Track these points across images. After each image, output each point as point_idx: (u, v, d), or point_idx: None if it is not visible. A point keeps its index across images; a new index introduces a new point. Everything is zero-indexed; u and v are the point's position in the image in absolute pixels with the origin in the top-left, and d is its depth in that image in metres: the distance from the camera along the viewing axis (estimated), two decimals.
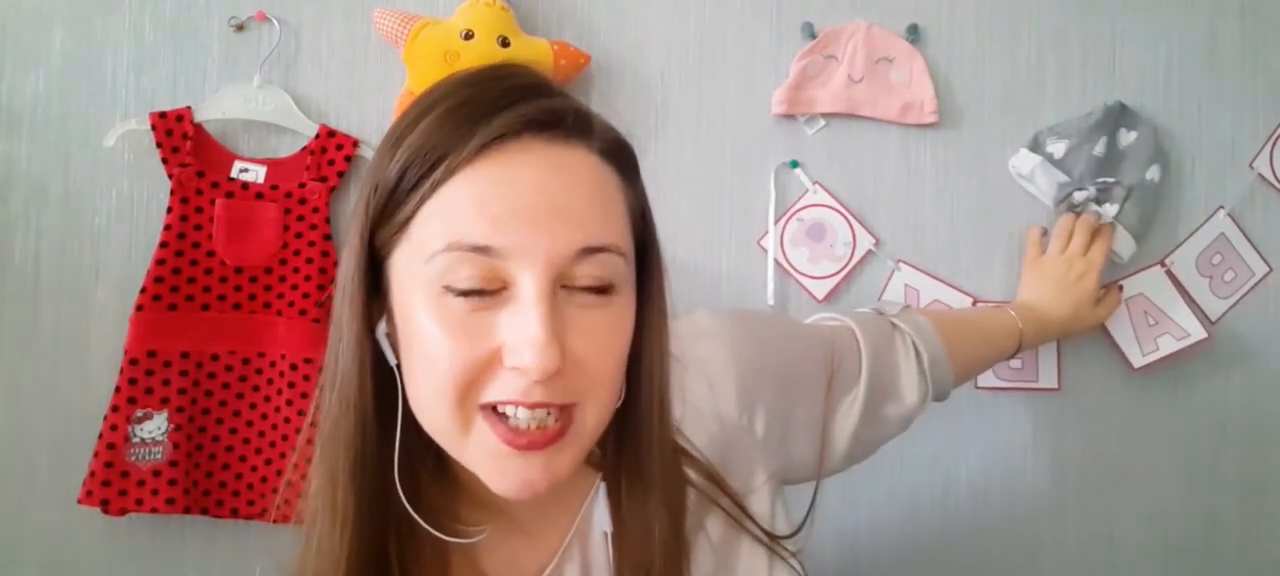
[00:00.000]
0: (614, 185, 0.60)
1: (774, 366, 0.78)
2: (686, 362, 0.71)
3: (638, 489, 0.65)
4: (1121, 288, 1.21)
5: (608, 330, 0.58)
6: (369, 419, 0.60)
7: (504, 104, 0.57)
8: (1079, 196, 1.17)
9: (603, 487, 0.66)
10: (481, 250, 0.54)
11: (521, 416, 0.56)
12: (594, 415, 0.59)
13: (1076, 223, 1.16)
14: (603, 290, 0.57)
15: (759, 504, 0.73)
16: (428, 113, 0.58)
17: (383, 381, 0.61)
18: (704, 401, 0.73)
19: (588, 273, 0.56)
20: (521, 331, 0.54)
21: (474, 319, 0.55)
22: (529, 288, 0.55)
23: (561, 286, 0.56)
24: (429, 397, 0.58)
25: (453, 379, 0.55)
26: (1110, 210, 1.18)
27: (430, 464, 0.64)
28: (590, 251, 0.56)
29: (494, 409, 0.56)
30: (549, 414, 0.56)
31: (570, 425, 0.58)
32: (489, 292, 0.55)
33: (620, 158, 0.62)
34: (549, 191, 0.56)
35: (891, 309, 0.94)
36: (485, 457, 0.58)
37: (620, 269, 0.58)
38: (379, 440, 0.60)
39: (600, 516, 0.66)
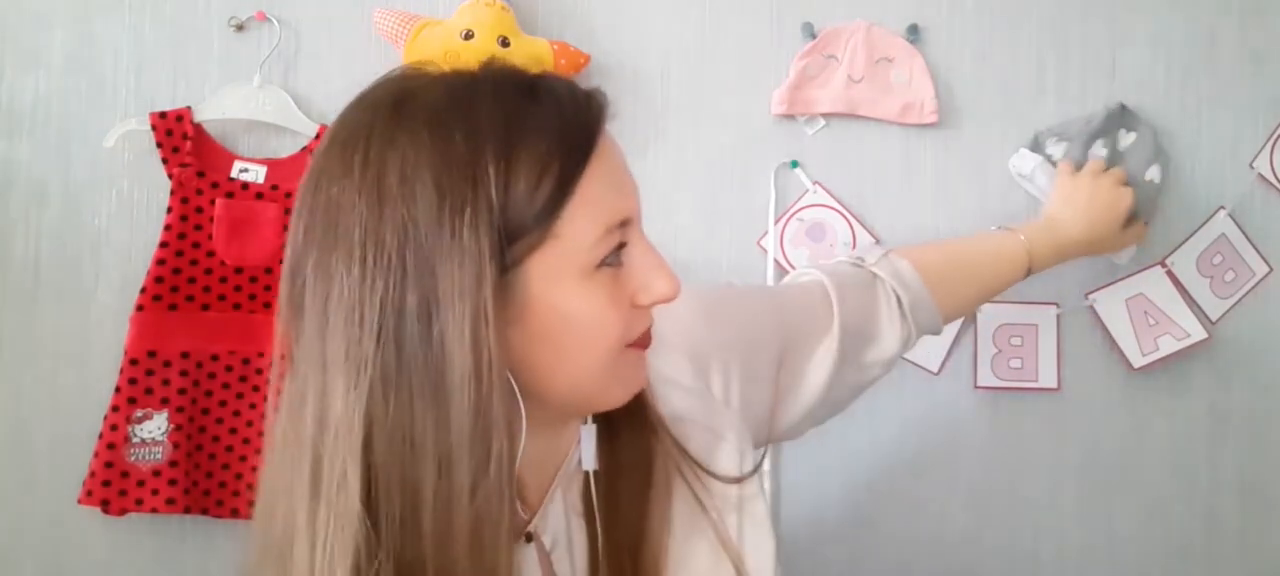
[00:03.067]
0: None
1: (728, 333, 0.84)
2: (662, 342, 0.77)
3: (619, 424, 0.71)
4: (1147, 224, 1.20)
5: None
6: (513, 414, 0.62)
7: (582, 99, 0.66)
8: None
9: (590, 429, 0.70)
10: (626, 223, 0.64)
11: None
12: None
13: (1109, 167, 1.16)
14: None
15: (726, 455, 0.77)
16: (524, 126, 0.62)
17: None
18: (664, 366, 0.78)
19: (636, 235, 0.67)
20: (647, 270, 0.65)
21: (617, 281, 0.64)
22: (639, 238, 0.66)
23: None
24: (585, 363, 0.64)
25: (619, 335, 0.64)
26: None
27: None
28: (626, 222, 0.66)
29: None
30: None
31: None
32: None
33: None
34: (623, 162, 0.67)
35: (871, 256, 0.97)
36: (626, 378, 0.67)
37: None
38: (513, 435, 0.63)
39: (586, 455, 0.70)
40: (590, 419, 0.71)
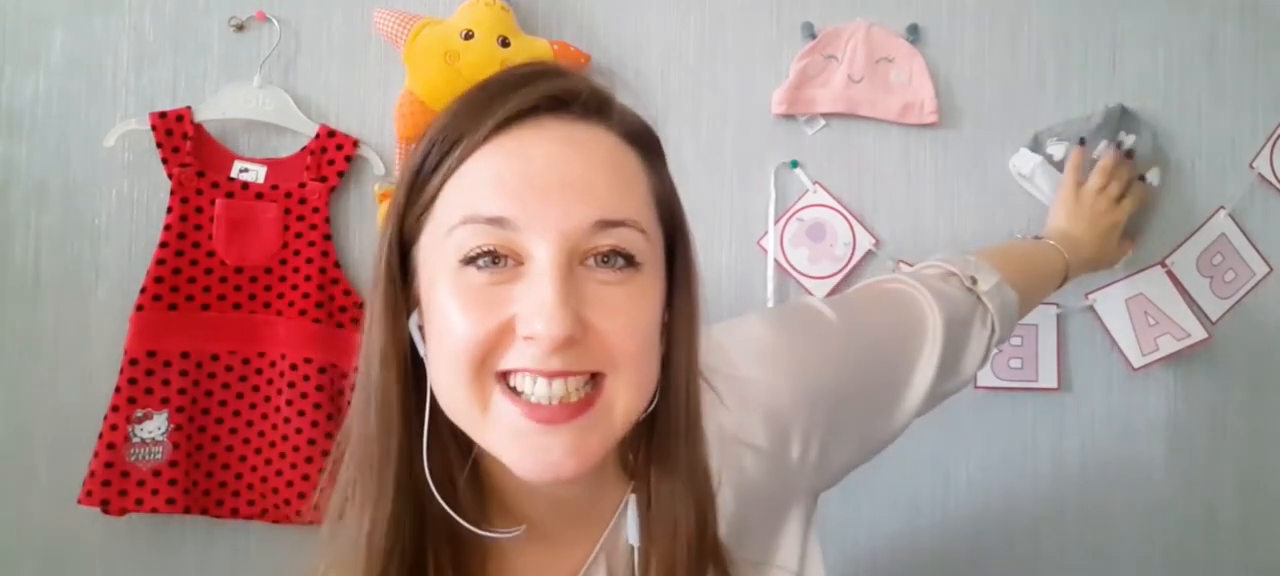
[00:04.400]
0: (635, 166, 0.61)
1: (813, 391, 0.74)
2: (724, 378, 0.69)
3: (665, 494, 0.63)
4: (1134, 240, 1.22)
5: (629, 304, 0.57)
6: (395, 408, 0.59)
7: (519, 84, 0.58)
8: None
9: (633, 500, 0.64)
10: (496, 222, 0.55)
11: (540, 391, 0.55)
12: (624, 393, 0.58)
13: (1115, 168, 1.16)
14: (622, 265, 0.57)
15: (789, 540, 0.72)
16: (454, 102, 0.60)
17: (416, 376, 0.60)
18: (737, 427, 0.70)
19: (605, 245, 0.56)
20: (533, 299, 0.54)
21: (490, 291, 0.55)
22: (542, 258, 0.55)
23: (580, 263, 0.56)
24: (447, 372, 0.57)
25: (468, 347, 0.55)
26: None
27: (464, 468, 0.63)
28: (607, 225, 0.56)
29: (512, 387, 0.56)
30: (571, 386, 0.56)
31: (598, 398, 0.57)
32: (505, 265, 0.56)
33: (643, 142, 0.62)
34: (562, 165, 0.56)
35: (983, 277, 0.88)
36: (507, 436, 0.56)
37: (640, 245, 0.58)
38: (407, 432, 0.60)
39: (630, 529, 0.64)
40: (634, 498, 0.64)
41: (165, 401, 1.13)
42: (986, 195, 1.24)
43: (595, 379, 0.57)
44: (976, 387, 1.22)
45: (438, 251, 0.57)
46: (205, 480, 1.16)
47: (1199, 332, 1.19)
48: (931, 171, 1.23)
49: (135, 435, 1.12)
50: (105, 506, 1.11)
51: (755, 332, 0.76)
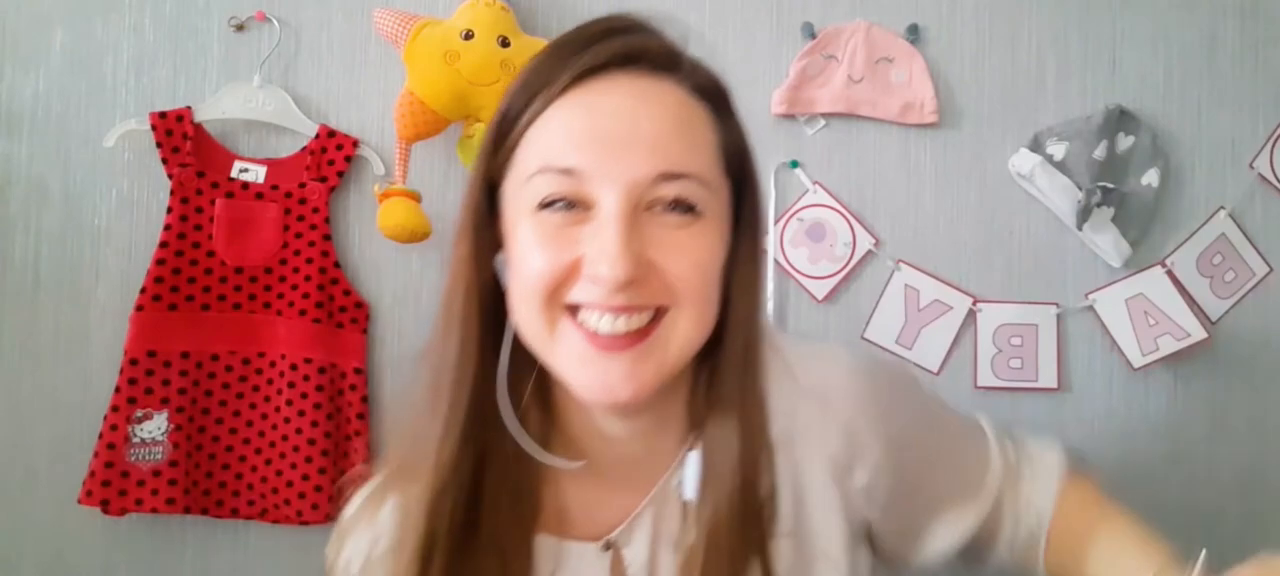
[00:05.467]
0: (702, 119, 0.64)
1: (909, 439, 0.73)
2: (804, 382, 0.70)
3: (718, 441, 0.66)
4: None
5: (690, 245, 0.61)
6: (474, 337, 0.65)
7: (594, 41, 0.63)
8: (1092, 200, 1.18)
9: (694, 455, 0.67)
10: (567, 172, 0.60)
11: (604, 325, 0.60)
12: (682, 326, 0.62)
13: None
14: (684, 211, 0.61)
15: (834, 533, 0.71)
16: (537, 56, 0.65)
17: (494, 310, 0.66)
18: (812, 425, 0.70)
19: (667, 194, 0.60)
20: (599, 244, 0.59)
21: (562, 232, 0.61)
22: (608, 205, 0.59)
23: (645, 209, 0.61)
24: (524, 303, 0.63)
25: (541, 281, 0.61)
26: (1107, 211, 1.19)
27: (536, 402, 0.68)
28: (669, 177, 0.60)
29: (577, 315, 0.61)
30: (633, 320, 0.61)
31: (655, 329, 0.62)
32: (576, 210, 0.61)
33: (712, 96, 0.65)
34: (630, 119, 0.61)
35: (1045, 479, 0.81)
36: (572, 360, 0.62)
37: (702, 195, 0.62)
38: (482, 360, 0.65)
39: (688, 483, 0.67)
40: (696, 445, 0.67)
41: (165, 401, 1.13)
42: (986, 195, 1.24)
43: (657, 312, 0.62)
44: (976, 387, 1.22)
45: (519, 195, 0.63)
46: (205, 480, 1.16)
47: (1199, 332, 1.19)
48: (931, 171, 1.23)
49: (135, 435, 1.12)
50: (105, 506, 1.11)
51: (847, 357, 0.75)
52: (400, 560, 0.65)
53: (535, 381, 0.67)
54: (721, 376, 0.67)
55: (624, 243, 0.58)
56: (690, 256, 0.61)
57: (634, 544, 0.69)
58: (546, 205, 0.61)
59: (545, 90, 0.62)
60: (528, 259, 0.61)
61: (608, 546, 0.69)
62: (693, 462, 0.67)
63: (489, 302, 0.65)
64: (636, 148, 0.60)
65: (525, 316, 0.63)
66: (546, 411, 0.69)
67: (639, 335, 0.61)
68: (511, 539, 0.67)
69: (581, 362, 0.61)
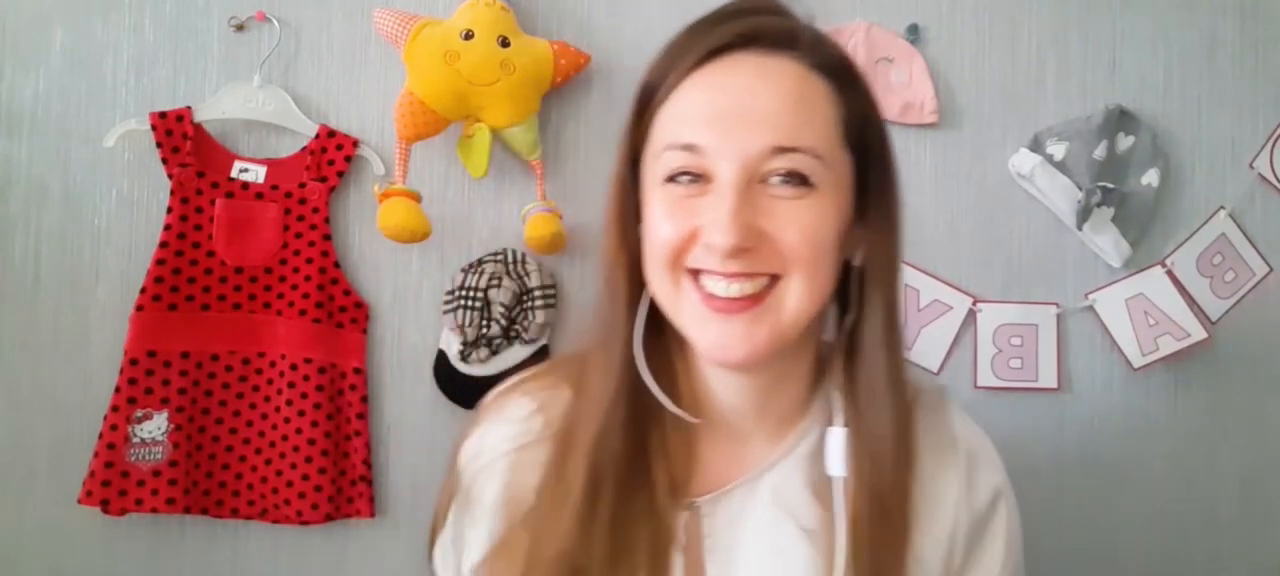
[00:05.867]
0: (820, 94, 0.67)
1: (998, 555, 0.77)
2: (958, 433, 0.76)
3: (869, 422, 0.70)
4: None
5: (803, 215, 0.65)
6: (622, 298, 0.71)
7: (716, 23, 0.68)
8: (1092, 200, 1.18)
9: (838, 433, 0.71)
10: (690, 148, 0.66)
11: (719, 288, 0.66)
12: (795, 293, 0.66)
13: None
14: (797, 183, 0.65)
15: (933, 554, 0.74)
16: (670, 40, 0.71)
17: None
18: (947, 484, 0.74)
19: (781, 167, 0.65)
20: (713, 214, 0.64)
21: (685, 203, 0.66)
22: (724, 178, 0.64)
23: (761, 181, 0.65)
24: (652, 266, 0.69)
25: (666, 248, 0.67)
26: (1107, 211, 1.19)
27: (677, 365, 0.74)
28: (782, 150, 0.65)
29: (698, 279, 0.67)
30: (747, 285, 0.66)
31: (769, 295, 0.66)
32: (699, 182, 0.66)
33: (835, 71, 0.69)
34: (747, 96, 0.66)
35: None
36: (692, 318, 0.68)
37: (815, 168, 0.65)
38: (632, 319, 0.71)
39: (833, 460, 0.71)
40: (839, 420, 0.71)
41: (165, 401, 1.13)
42: (986, 195, 1.23)
43: (772, 279, 0.66)
44: (976, 387, 1.22)
45: (652, 167, 0.69)
46: (205, 480, 1.16)
47: (1199, 333, 1.19)
48: (931, 171, 1.23)
49: (135, 435, 1.12)
50: (105, 506, 1.11)
51: (990, 455, 0.79)
52: (565, 490, 0.70)
53: (678, 346, 0.73)
54: (863, 356, 0.71)
55: (734, 213, 0.63)
56: (801, 227, 0.65)
57: (722, 515, 0.72)
58: (672, 178, 0.67)
59: (675, 70, 0.68)
60: (656, 227, 0.67)
61: (692, 507, 0.72)
62: (836, 439, 0.71)
63: (637, 265, 0.71)
64: (751, 123, 0.64)
65: (654, 279, 0.69)
66: (688, 370, 0.75)
67: (753, 300, 0.66)
68: (665, 499, 0.71)
69: (701, 323, 0.67)
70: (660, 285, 0.69)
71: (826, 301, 0.69)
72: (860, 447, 0.70)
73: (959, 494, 0.73)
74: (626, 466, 0.70)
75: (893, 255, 0.71)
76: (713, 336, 0.67)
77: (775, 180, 0.65)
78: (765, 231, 0.65)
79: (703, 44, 0.68)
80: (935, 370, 1.22)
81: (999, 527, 0.76)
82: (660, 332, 0.72)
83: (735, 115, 0.65)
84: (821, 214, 0.66)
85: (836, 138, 0.67)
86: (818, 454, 0.72)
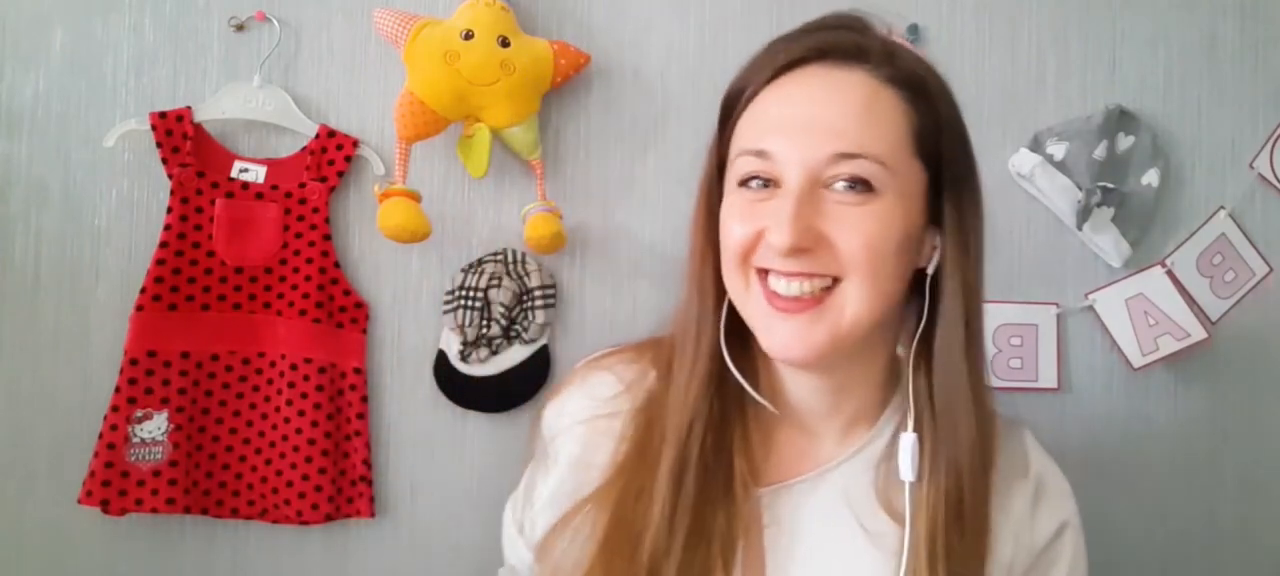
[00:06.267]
0: (889, 104, 0.70)
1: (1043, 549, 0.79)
2: (1032, 473, 0.79)
3: (946, 429, 0.72)
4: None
5: (864, 222, 0.68)
6: (709, 293, 0.76)
7: (797, 37, 0.73)
8: (1092, 200, 1.18)
9: (909, 440, 0.72)
10: (760, 154, 0.70)
11: (780, 286, 0.69)
12: (854, 296, 0.69)
13: None
14: (861, 190, 0.68)
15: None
16: (755, 53, 0.75)
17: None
18: (1012, 511, 0.76)
19: (844, 172, 0.68)
20: (776, 216, 0.68)
21: (754, 206, 0.70)
22: (788, 182, 0.68)
23: (825, 187, 0.68)
24: (725, 264, 0.73)
25: (734, 247, 0.71)
26: (1107, 211, 1.19)
27: (759, 360, 0.78)
28: (845, 157, 0.67)
29: (765, 277, 0.71)
30: (806, 286, 0.69)
31: (829, 298, 0.69)
32: (769, 187, 0.70)
33: (909, 84, 0.71)
34: (814, 106, 0.69)
35: None
36: (758, 314, 0.72)
37: (877, 174, 0.68)
38: (717, 312, 0.76)
39: (903, 464, 0.72)
40: (910, 426, 0.73)
41: (165, 401, 1.13)
42: (986, 195, 1.23)
43: (834, 282, 0.69)
44: None
45: (731, 171, 0.73)
46: (205, 480, 1.16)
47: (1199, 333, 1.19)
48: None
49: (135, 435, 1.12)
50: (105, 506, 1.11)
51: (1061, 484, 0.84)
52: (648, 471, 0.74)
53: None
54: (937, 363, 0.73)
55: (793, 214, 0.67)
56: (862, 232, 0.68)
57: (788, 504, 0.75)
58: (745, 182, 0.71)
59: (754, 82, 0.73)
60: (729, 228, 0.72)
61: (757, 496, 0.75)
62: (907, 444, 0.72)
63: (719, 262, 0.75)
64: (816, 131, 0.68)
65: (727, 276, 0.73)
66: (767, 368, 0.78)
67: (813, 301, 0.69)
68: (742, 487, 0.75)
69: (765, 320, 0.71)
70: (733, 283, 0.73)
71: (891, 307, 0.72)
72: (935, 455, 0.72)
73: (1021, 523, 0.76)
74: (712, 453, 0.74)
75: (969, 265, 0.74)
76: (775, 333, 0.70)
77: (839, 186, 0.68)
78: (825, 234, 0.68)
79: (780, 57, 0.72)
80: None
81: (1062, 562, 0.79)
82: (741, 328, 0.75)
83: (803, 123, 0.68)
84: (883, 220, 0.68)
85: (906, 146, 0.70)
86: (887, 458, 0.74)
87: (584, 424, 0.80)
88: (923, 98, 0.71)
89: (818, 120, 0.68)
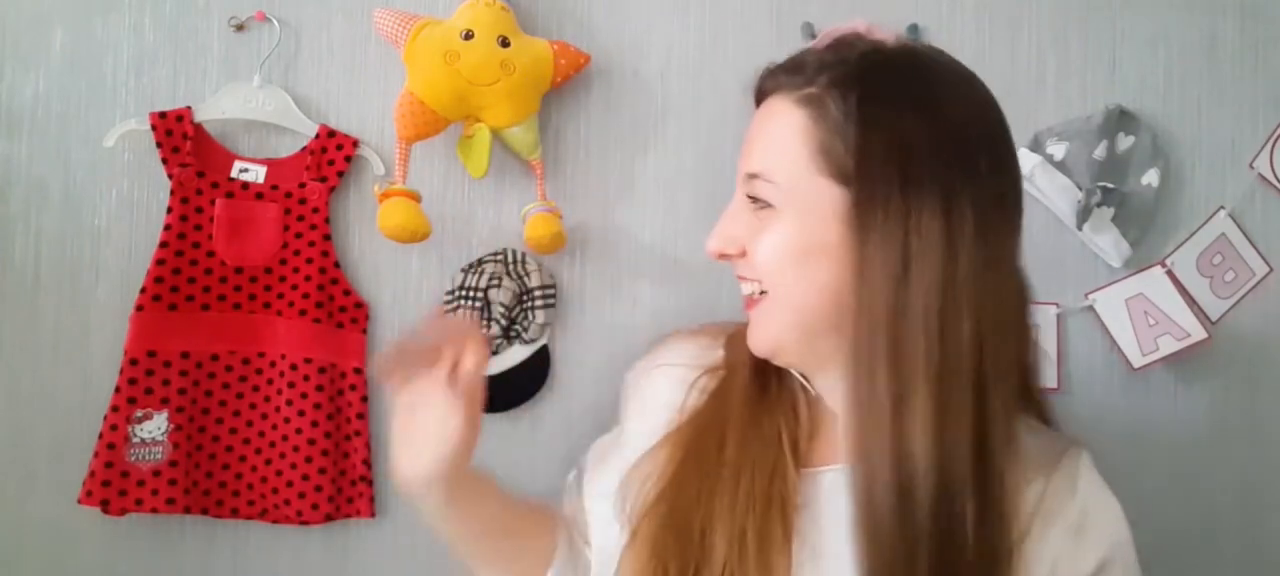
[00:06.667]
0: (793, 125, 0.74)
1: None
2: (1077, 502, 0.81)
3: (861, 470, 0.72)
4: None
5: (762, 235, 0.75)
6: None
7: (761, 77, 0.81)
8: (1092, 200, 1.18)
9: (833, 472, 0.78)
10: (748, 176, 0.77)
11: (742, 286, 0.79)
12: (770, 304, 0.76)
13: None
14: (760, 205, 0.76)
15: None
16: None
17: None
18: (1052, 541, 0.78)
19: (749, 190, 0.76)
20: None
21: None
22: (737, 194, 0.79)
23: (751, 201, 0.77)
24: None
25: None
26: (1107, 211, 1.19)
27: None
28: (749, 176, 0.76)
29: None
30: (749, 286, 0.78)
31: (763, 300, 0.77)
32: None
33: (816, 104, 0.74)
34: (751, 132, 0.78)
35: None
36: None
37: (768, 192, 0.75)
38: None
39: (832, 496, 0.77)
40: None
41: (165, 401, 1.13)
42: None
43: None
44: None
45: None
46: (205, 480, 1.16)
47: (1199, 333, 1.19)
48: None
49: (135, 435, 1.12)
50: (105, 506, 1.11)
51: (1096, 479, 0.86)
52: (713, 434, 0.81)
53: None
54: (854, 406, 0.72)
55: (718, 225, 0.78)
56: (762, 244, 0.75)
57: (831, 488, 0.78)
58: (750, 200, 0.78)
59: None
60: None
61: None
62: (838, 478, 0.76)
63: None
64: (745, 154, 0.78)
65: None
66: None
67: (753, 301, 0.78)
68: (787, 463, 0.79)
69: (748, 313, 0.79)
70: None
71: (820, 317, 0.75)
72: (854, 492, 0.73)
73: (1061, 553, 0.77)
74: (766, 426, 0.80)
75: (884, 284, 0.70)
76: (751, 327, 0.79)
77: (751, 202, 0.76)
78: (745, 244, 0.76)
79: (758, 90, 0.81)
80: None
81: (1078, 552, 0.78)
82: None
83: (755, 139, 0.78)
84: (780, 234, 0.74)
85: (805, 163, 0.73)
86: None
87: (673, 368, 0.88)
88: (830, 113, 0.73)
89: (750, 143, 0.78)
